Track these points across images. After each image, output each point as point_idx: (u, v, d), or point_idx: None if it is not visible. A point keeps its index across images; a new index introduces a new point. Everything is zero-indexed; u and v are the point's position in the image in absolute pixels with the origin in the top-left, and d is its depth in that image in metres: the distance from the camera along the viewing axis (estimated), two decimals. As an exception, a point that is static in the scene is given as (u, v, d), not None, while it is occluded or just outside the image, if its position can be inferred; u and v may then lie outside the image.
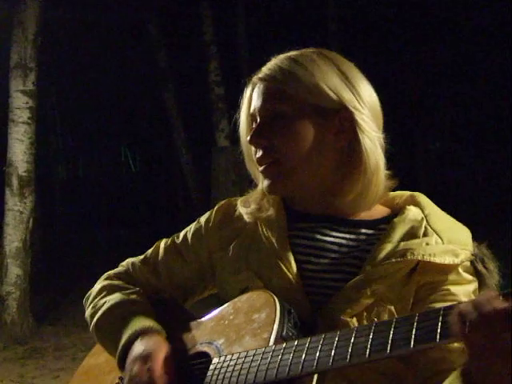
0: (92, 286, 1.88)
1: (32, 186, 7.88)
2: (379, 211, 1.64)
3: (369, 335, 1.25)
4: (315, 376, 1.33)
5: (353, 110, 1.55)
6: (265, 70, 1.64)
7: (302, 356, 1.32)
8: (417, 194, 1.66)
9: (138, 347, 1.59)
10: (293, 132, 1.56)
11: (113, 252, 12.46)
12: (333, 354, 1.28)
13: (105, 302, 1.76)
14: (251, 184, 1.74)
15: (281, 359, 1.34)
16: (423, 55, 14.44)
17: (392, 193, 1.68)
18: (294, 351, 1.34)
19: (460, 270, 1.49)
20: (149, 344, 1.58)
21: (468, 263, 1.50)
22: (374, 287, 1.47)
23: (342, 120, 1.56)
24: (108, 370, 1.72)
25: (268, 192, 1.63)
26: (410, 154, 15.87)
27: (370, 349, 1.24)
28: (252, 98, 1.65)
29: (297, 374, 1.31)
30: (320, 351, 1.30)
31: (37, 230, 11.23)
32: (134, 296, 1.76)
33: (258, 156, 1.61)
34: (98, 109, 17.96)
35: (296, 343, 1.35)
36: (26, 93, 7.79)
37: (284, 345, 1.37)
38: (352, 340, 1.27)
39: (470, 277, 1.50)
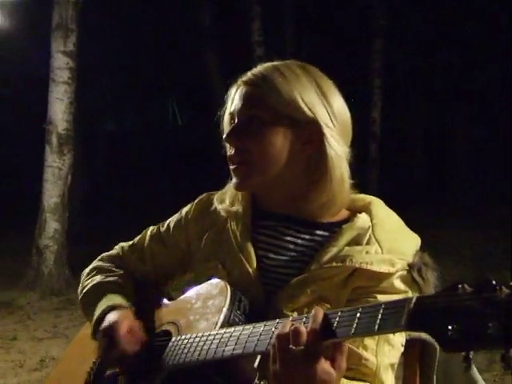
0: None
1: (71, 144, 8.16)
2: (340, 214, 1.78)
3: None
4: (257, 359, 1.51)
5: (323, 125, 1.69)
6: (250, 74, 1.77)
7: (235, 340, 1.51)
8: (375, 201, 1.80)
9: (107, 320, 1.81)
10: (265, 137, 1.70)
11: (153, 205, 12.73)
12: (257, 340, 1.46)
13: (89, 283, 2.00)
14: None
15: (219, 341, 1.54)
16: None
17: (355, 196, 1.82)
18: (230, 335, 1.53)
19: (394, 279, 1.63)
20: (115, 317, 1.80)
21: (405, 272, 1.63)
22: (314, 287, 1.65)
23: (312, 132, 1.70)
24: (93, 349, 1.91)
25: (235, 189, 1.79)
26: (449, 141, 15.81)
27: None
28: (234, 98, 1.79)
29: (228, 356, 1.50)
30: (249, 337, 1.48)
31: (78, 183, 11.57)
32: (113, 278, 1.98)
33: (229, 154, 1.77)
34: (147, 64, 18.19)
35: (234, 329, 1.54)
36: (67, 53, 8.03)
37: (225, 330, 1.56)
38: (273, 329, 1.45)
39: (402, 287, 1.63)
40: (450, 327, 1.11)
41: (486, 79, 14.57)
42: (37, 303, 7.54)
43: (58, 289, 7.94)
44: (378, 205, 1.78)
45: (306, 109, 1.70)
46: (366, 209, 1.76)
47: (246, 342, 1.48)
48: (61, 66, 8.02)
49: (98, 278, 2.00)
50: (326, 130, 1.70)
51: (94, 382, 1.84)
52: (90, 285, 1.99)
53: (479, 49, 13.88)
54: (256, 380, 1.53)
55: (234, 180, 1.77)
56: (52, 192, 8.12)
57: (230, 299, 1.65)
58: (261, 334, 1.47)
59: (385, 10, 13.09)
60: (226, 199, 1.88)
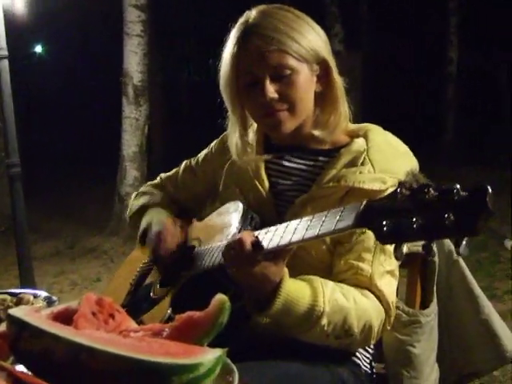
0: None
1: (146, 95, 8.46)
2: (341, 140, 1.97)
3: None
4: None
5: (328, 59, 1.90)
6: (260, 28, 1.86)
7: None
8: (371, 127, 1.97)
9: (155, 225, 2.12)
10: (299, 83, 1.87)
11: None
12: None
13: (135, 204, 2.34)
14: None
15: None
16: None
17: (358, 125, 2.01)
18: None
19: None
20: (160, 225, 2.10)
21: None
22: (314, 205, 1.85)
23: (321, 68, 1.90)
24: (140, 259, 2.27)
25: (280, 131, 1.92)
26: None
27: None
28: (243, 52, 1.88)
29: None
30: None
31: (159, 131, 11.88)
32: (156, 198, 2.31)
33: (268, 104, 1.88)
34: (225, 15, 18.37)
35: None
36: (138, 7, 8.27)
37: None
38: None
39: None
40: (384, 223, 1.29)
41: None
42: (119, 248, 7.94)
43: (140, 234, 8.25)
44: (375, 130, 1.97)
45: (314, 48, 1.88)
46: (364, 135, 1.94)
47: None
48: (133, 19, 8.25)
49: (142, 200, 2.31)
50: (331, 63, 1.90)
51: (133, 291, 2.11)
52: (136, 205, 2.31)
53: None
54: None
55: (277, 125, 1.91)
56: (130, 142, 8.45)
57: (242, 216, 1.89)
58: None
59: None
60: (238, 143, 2.05)
